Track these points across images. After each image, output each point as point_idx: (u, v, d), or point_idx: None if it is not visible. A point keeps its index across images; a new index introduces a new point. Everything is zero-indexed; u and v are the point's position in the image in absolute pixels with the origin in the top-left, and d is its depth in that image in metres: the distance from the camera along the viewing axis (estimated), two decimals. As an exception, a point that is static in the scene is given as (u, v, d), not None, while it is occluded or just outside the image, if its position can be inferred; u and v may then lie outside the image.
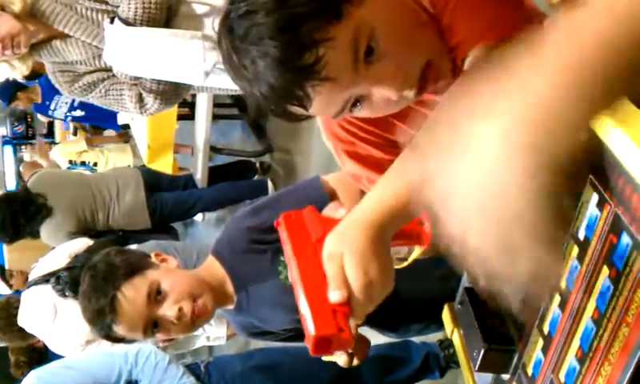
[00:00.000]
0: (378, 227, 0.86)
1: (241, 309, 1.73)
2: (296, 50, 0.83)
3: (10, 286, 6.20)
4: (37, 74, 4.10)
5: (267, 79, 0.87)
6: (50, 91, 5.12)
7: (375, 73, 0.88)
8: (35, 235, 3.67)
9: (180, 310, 1.57)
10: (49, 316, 2.85)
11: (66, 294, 2.73)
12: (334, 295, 0.82)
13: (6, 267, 6.75)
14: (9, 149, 9.86)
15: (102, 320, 1.57)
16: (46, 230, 3.63)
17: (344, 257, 0.84)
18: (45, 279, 2.91)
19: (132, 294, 1.56)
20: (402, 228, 0.94)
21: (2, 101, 7.13)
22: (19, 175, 8.59)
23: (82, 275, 1.66)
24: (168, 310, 1.57)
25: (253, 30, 0.85)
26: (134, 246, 2.34)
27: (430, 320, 1.82)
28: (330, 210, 1.03)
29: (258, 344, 2.77)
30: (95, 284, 1.59)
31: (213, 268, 1.71)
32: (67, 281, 2.74)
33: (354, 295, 0.83)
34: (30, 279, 3.10)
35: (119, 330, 1.58)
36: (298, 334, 1.80)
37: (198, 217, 5.07)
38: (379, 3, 0.89)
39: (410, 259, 1.04)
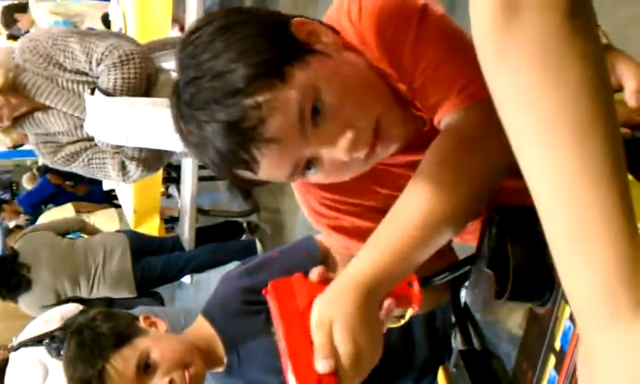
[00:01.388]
0: (367, 292, 0.85)
1: (231, 371, 1.70)
2: (240, 113, 0.84)
3: None
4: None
5: (214, 144, 0.87)
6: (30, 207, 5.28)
7: (323, 134, 0.88)
8: (14, 300, 3.75)
9: (171, 381, 1.53)
10: (38, 378, 2.81)
11: (62, 353, 2.70)
12: (321, 365, 0.82)
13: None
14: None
15: None
16: (23, 302, 3.71)
17: (333, 324, 0.83)
18: (37, 340, 2.88)
19: (121, 367, 1.52)
20: (392, 290, 0.93)
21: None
22: (4, 243, 8.56)
23: (67, 339, 1.62)
24: (158, 382, 1.53)
25: (199, 95, 0.86)
26: None
27: (422, 372, 1.79)
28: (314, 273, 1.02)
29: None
30: (82, 353, 1.55)
31: (202, 329, 1.67)
32: (63, 339, 2.70)
33: (341, 366, 0.82)
34: (18, 341, 3.07)
35: None
36: None
37: (187, 279, 5.03)
38: (324, 65, 0.89)
39: (407, 317, 1.03)
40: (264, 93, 0.84)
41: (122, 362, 1.52)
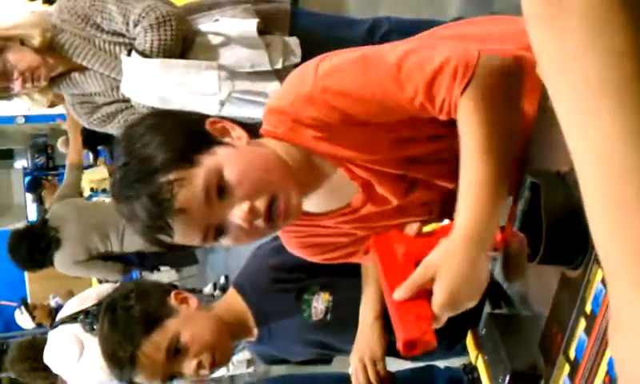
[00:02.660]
0: (478, 239, 0.99)
1: (262, 341, 1.74)
2: (157, 189, 1.06)
3: (34, 318, 6.26)
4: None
5: (139, 215, 1.09)
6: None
7: (225, 206, 1.09)
8: (51, 263, 3.85)
9: (199, 363, 1.58)
10: (75, 355, 2.89)
11: (94, 327, 2.77)
12: (398, 293, 1.00)
13: (29, 301, 6.81)
14: (29, 180, 9.96)
15: (122, 370, 1.59)
16: (57, 260, 3.80)
17: (439, 273, 0.99)
18: (73, 318, 2.96)
19: (152, 352, 1.57)
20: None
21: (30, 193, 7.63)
22: (40, 200, 8.72)
23: (101, 314, 1.66)
24: (187, 365, 1.59)
25: (127, 175, 1.10)
26: (154, 276, 2.35)
27: (453, 340, 1.81)
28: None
29: (280, 370, 2.75)
30: (114, 335, 1.60)
31: (234, 302, 1.72)
32: (96, 314, 2.78)
33: (439, 306, 0.99)
34: (57, 319, 3.16)
35: (138, 379, 1.60)
36: (317, 359, 1.90)
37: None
38: (228, 153, 1.11)
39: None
40: (175, 173, 1.06)
41: (153, 349, 1.57)
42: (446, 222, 1.16)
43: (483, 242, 1.00)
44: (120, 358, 1.57)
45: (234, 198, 1.09)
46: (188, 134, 1.12)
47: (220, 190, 1.08)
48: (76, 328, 2.90)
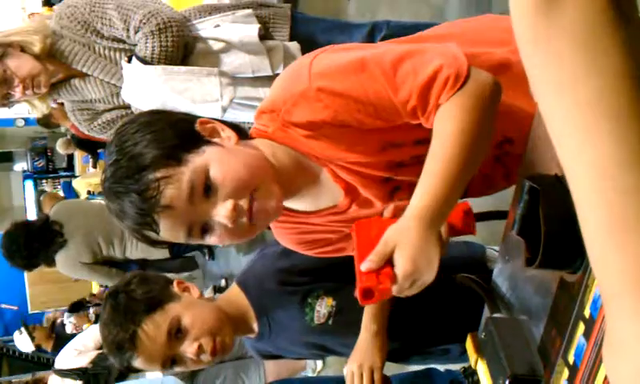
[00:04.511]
0: (427, 223, 1.02)
1: (261, 338, 1.74)
2: (144, 186, 1.09)
3: (33, 339, 6.20)
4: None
5: (128, 211, 1.11)
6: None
7: (210, 204, 1.12)
8: (50, 263, 3.70)
9: (199, 347, 1.58)
10: None
11: None
12: (366, 264, 1.01)
13: (29, 302, 6.78)
14: (29, 183, 9.98)
15: (122, 353, 1.58)
16: (60, 260, 3.67)
17: (396, 248, 1.01)
18: (71, 373, 3.02)
19: (152, 331, 1.57)
20: (453, 219, 1.17)
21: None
22: (39, 206, 8.72)
23: (104, 302, 1.67)
24: (188, 347, 1.58)
25: (117, 172, 1.12)
26: None
27: (453, 342, 1.82)
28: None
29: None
30: (116, 317, 1.60)
31: (236, 298, 1.72)
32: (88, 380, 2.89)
33: (398, 280, 1.01)
34: (57, 362, 3.21)
35: (138, 363, 1.59)
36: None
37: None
38: (215, 153, 1.14)
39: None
40: (162, 171, 1.09)
41: (154, 327, 1.57)
42: None
43: (432, 224, 1.03)
44: (121, 339, 1.57)
45: (218, 197, 1.12)
46: (178, 133, 1.15)
47: (206, 188, 1.11)
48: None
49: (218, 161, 1.13)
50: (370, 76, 1.11)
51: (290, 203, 1.26)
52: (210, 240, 1.17)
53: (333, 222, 1.30)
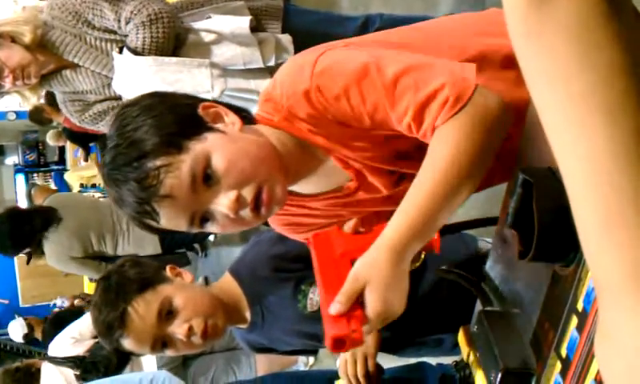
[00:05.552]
0: (399, 255, 0.99)
1: (253, 329, 1.73)
2: (144, 174, 1.06)
3: (32, 329, 6.13)
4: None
5: (127, 199, 1.08)
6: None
7: (212, 194, 1.08)
8: (38, 249, 3.68)
9: (190, 328, 1.57)
10: None
11: (84, 378, 2.90)
12: (334, 307, 0.96)
13: (20, 296, 6.74)
14: (21, 177, 9.94)
15: (112, 333, 1.57)
16: (50, 251, 3.66)
17: (368, 284, 0.97)
18: (67, 361, 3.02)
19: (143, 310, 1.56)
20: None
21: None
22: (30, 200, 8.68)
23: (96, 285, 1.67)
24: (178, 328, 1.57)
25: (116, 158, 1.09)
26: None
27: (445, 332, 1.81)
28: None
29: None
30: (107, 297, 1.59)
31: (229, 286, 1.71)
32: (87, 365, 2.90)
33: (370, 319, 0.97)
34: (50, 349, 3.20)
35: (127, 343, 1.58)
36: (303, 350, 1.94)
37: (211, 236, 5.06)
38: (218, 140, 1.10)
39: (421, 260, 1.14)
40: (162, 158, 1.06)
41: (144, 306, 1.56)
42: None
43: (405, 257, 1.00)
44: (111, 319, 1.56)
45: (220, 186, 1.08)
46: (179, 119, 1.11)
47: (207, 177, 1.08)
48: (67, 371, 2.99)
49: (220, 149, 1.09)
50: (370, 84, 1.08)
51: (290, 186, 1.23)
52: (212, 228, 1.13)
53: (332, 206, 1.28)
